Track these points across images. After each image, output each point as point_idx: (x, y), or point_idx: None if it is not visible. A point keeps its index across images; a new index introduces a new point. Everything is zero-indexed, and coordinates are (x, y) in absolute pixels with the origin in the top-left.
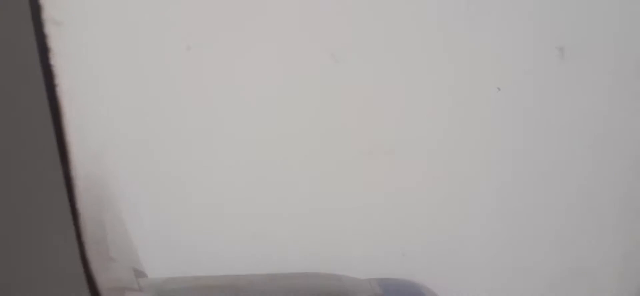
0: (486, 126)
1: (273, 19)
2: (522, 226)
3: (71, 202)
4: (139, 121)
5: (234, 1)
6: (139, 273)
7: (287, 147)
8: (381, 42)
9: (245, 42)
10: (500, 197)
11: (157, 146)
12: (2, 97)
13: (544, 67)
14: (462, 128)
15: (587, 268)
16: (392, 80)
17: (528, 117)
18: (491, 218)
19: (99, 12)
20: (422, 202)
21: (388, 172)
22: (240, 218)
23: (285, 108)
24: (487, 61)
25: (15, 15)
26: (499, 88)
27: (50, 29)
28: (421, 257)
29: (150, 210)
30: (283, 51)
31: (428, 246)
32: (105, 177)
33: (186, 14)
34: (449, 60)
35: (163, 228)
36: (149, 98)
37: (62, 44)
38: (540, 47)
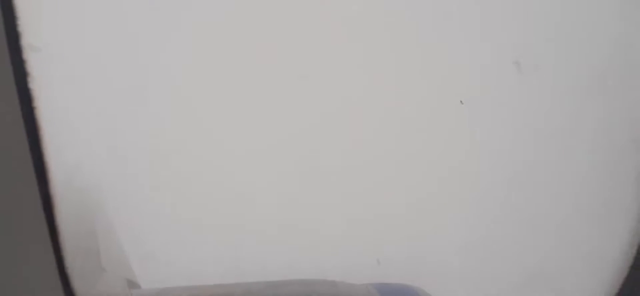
0: (452, 138)
1: (249, 31)
2: (491, 231)
3: (50, 220)
4: (120, 139)
5: (207, 18)
6: (132, 284)
7: (277, 152)
8: (349, 60)
9: (221, 58)
10: (467, 204)
11: (144, 158)
12: None
13: (502, 80)
14: (430, 141)
15: (553, 269)
16: (360, 94)
17: (490, 128)
18: (459, 225)
19: (76, 38)
20: (397, 212)
21: (363, 181)
22: (234, 227)
23: (272, 114)
24: (449, 76)
25: None
26: (462, 102)
27: (28, 55)
28: (397, 264)
29: (139, 225)
30: (263, 60)
31: (404, 252)
32: (91, 187)
33: (154, 36)
34: (414, 77)
35: (156, 238)
36: (127, 116)
37: (41, 69)
38: (498, 62)
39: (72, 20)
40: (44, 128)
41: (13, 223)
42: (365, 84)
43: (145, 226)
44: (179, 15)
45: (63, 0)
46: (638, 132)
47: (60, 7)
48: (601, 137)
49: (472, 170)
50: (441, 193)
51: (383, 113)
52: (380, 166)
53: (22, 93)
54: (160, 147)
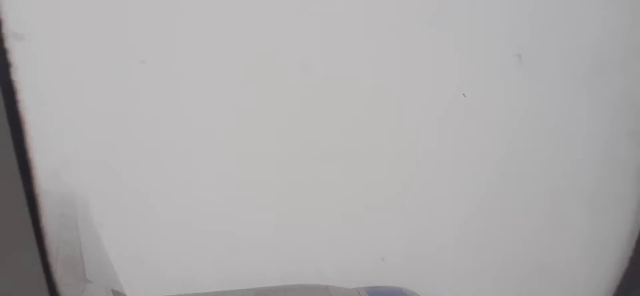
0: (455, 131)
1: (241, 31)
2: (493, 225)
3: (35, 221)
4: (109, 137)
5: (200, 13)
6: (118, 295)
7: (263, 157)
8: (352, 53)
9: (213, 56)
10: (469, 198)
11: (128, 162)
12: None
13: (504, 73)
14: (433, 135)
15: (554, 262)
16: (364, 88)
17: (492, 121)
18: (459, 222)
19: (62, 27)
20: (397, 208)
21: (363, 179)
22: (221, 233)
23: (259, 119)
24: (453, 69)
25: None
26: (464, 95)
27: (11, 44)
28: (400, 262)
29: (128, 229)
30: (251, 63)
31: (406, 250)
32: (76, 194)
33: (146, 29)
34: (417, 70)
35: (141, 246)
36: (116, 113)
37: (24, 59)
38: (500, 55)
39: (59, 8)
40: (28, 123)
41: None
42: (362, 83)
43: (133, 231)
44: (171, 9)
45: None
46: (632, 122)
47: None
48: (599, 129)
49: (472, 166)
50: (440, 189)
51: (380, 107)
52: (379, 163)
53: (4, 85)
54: (151, 153)
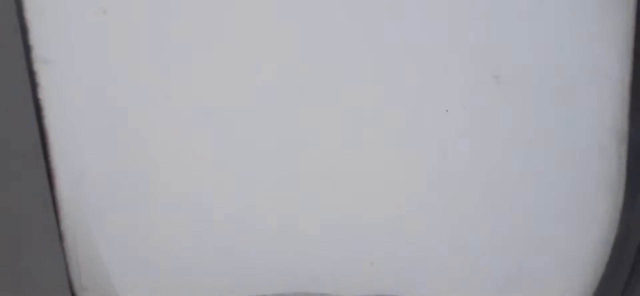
0: (438, 144)
1: (244, 47)
2: (470, 234)
3: (57, 224)
4: (119, 148)
5: (210, 38)
6: None
7: (263, 167)
8: (339, 68)
9: (217, 71)
10: (446, 208)
11: (135, 173)
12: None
13: (482, 93)
14: (421, 141)
15: (530, 271)
16: (351, 101)
17: (471, 136)
18: (439, 229)
19: (85, 51)
20: (383, 216)
21: (352, 189)
22: (221, 242)
23: (254, 127)
24: (434, 86)
25: (9, 54)
26: (447, 110)
27: (38, 67)
28: (382, 268)
29: (128, 236)
30: (255, 75)
31: (388, 257)
32: (82, 203)
33: (168, 59)
34: (401, 88)
35: (142, 254)
36: (128, 127)
37: (50, 80)
38: (478, 75)
39: (82, 36)
40: (51, 136)
41: (25, 225)
42: (355, 92)
43: (133, 244)
44: (186, 30)
45: (74, 18)
46: (602, 138)
47: (72, 23)
48: (571, 145)
49: (451, 176)
50: (421, 198)
51: (374, 120)
52: (367, 171)
53: (33, 102)
54: (158, 163)
